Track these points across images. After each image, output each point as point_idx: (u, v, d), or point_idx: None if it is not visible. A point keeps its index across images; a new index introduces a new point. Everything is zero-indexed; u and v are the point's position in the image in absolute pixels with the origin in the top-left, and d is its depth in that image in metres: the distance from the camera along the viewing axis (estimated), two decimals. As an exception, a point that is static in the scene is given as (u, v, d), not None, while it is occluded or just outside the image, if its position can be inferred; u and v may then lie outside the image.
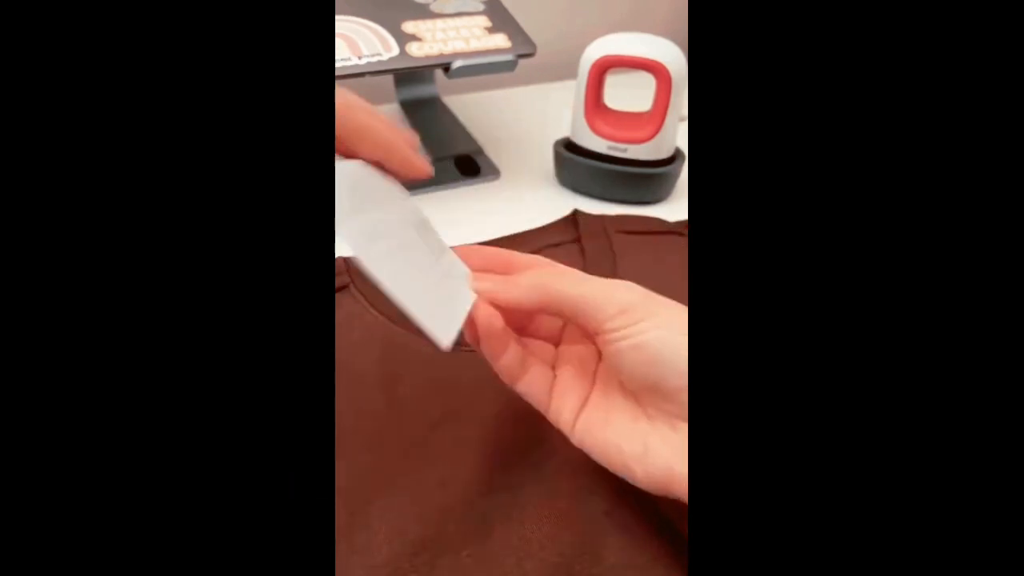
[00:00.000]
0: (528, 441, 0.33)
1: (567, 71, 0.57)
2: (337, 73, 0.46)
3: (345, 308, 0.41)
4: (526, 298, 0.27)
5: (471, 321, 0.27)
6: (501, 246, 0.47)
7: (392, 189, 0.28)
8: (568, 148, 0.56)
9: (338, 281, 0.42)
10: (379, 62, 0.48)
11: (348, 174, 0.25)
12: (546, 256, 0.31)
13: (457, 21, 0.52)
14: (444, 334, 0.24)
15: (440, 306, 0.25)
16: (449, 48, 0.50)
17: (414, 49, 0.49)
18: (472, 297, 0.27)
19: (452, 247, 0.30)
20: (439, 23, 0.52)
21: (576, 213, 0.50)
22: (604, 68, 0.51)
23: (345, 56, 0.47)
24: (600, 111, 0.53)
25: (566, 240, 0.48)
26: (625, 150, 0.52)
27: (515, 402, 0.35)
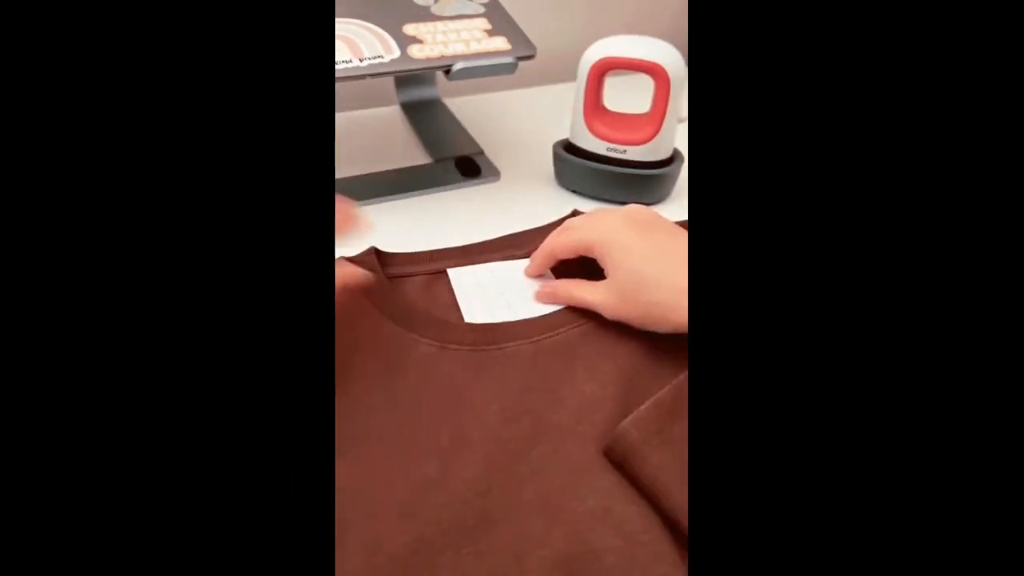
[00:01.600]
0: (528, 440, 0.33)
1: (567, 73, 0.57)
2: (338, 75, 0.46)
3: (347, 308, 0.41)
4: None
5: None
6: (501, 246, 0.47)
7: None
8: (567, 149, 0.56)
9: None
10: (380, 64, 0.48)
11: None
12: None
13: (458, 24, 0.53)
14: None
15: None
16: (450, 50, 0.50)
17: (415, 51, 0.49)
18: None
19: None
20: (440, 25, 0.52)
21: (575, 213, 0.50)
22: (603, 70, 0.51)
23: (346, 58, 0.47)
24: (599, 113, 0.53)
25: (566, 241, 0.48)
26: (624, 151, 0.53)
27: (516, 402, 0.35)
